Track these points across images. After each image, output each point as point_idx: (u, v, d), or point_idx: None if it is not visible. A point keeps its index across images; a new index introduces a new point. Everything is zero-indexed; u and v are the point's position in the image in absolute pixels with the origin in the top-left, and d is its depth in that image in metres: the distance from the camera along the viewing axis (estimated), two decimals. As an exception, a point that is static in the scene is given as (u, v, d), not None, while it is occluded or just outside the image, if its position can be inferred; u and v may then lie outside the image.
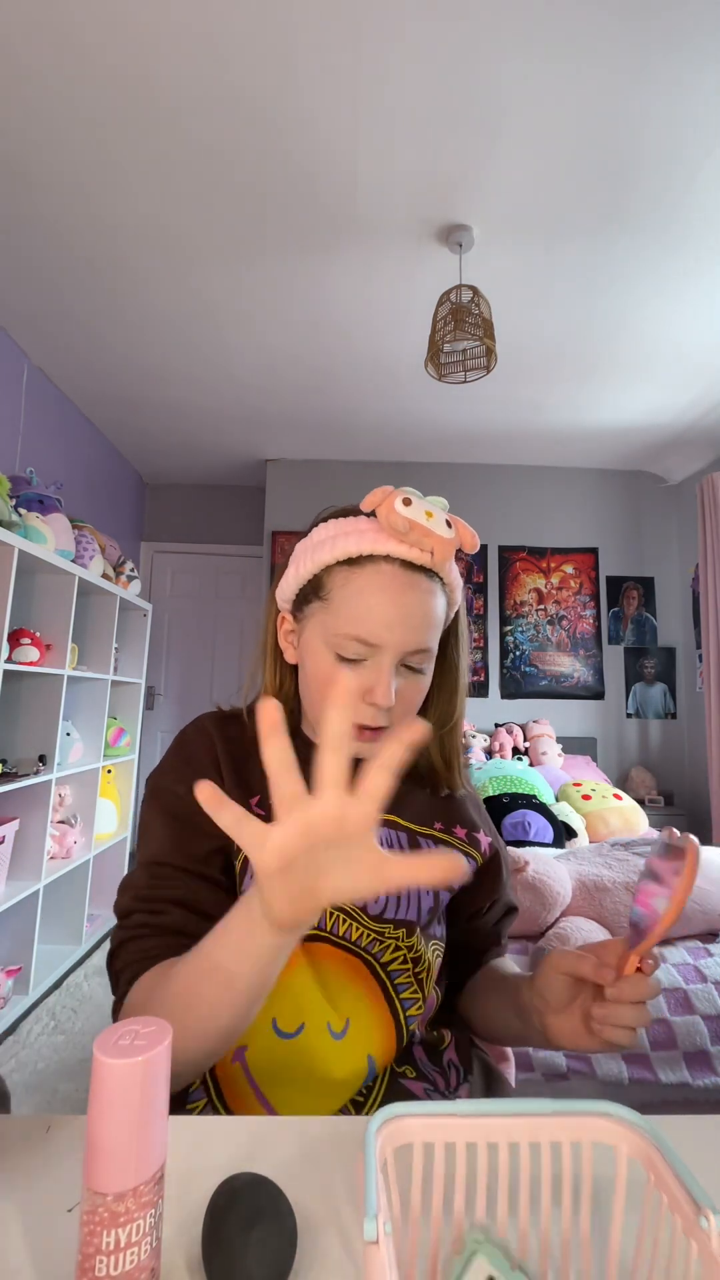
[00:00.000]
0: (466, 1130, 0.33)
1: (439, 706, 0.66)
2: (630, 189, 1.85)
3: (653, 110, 1.60)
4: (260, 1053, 0.55)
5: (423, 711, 0.66)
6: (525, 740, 3.52)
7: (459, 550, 0.59)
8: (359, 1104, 0.55)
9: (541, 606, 3.91)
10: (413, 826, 0.65)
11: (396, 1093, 0.56)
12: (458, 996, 0.71)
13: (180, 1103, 0.57)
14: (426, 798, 0.68)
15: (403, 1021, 0.58)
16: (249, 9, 1.37)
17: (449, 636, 0.66)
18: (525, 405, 3.22)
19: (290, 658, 0.65)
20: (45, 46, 1.46)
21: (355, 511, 0.60)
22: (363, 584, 0.57)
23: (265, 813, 0.59)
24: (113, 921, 2.75)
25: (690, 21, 1.38)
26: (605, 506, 4.00)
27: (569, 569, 3.95)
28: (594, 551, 3.96)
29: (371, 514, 0.58)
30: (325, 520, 0.62)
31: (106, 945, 2.70)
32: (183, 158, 1.77)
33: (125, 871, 2.91)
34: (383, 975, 0.58)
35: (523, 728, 3.60)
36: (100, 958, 2.44)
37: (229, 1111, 0.55)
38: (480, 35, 1.42)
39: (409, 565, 0.57)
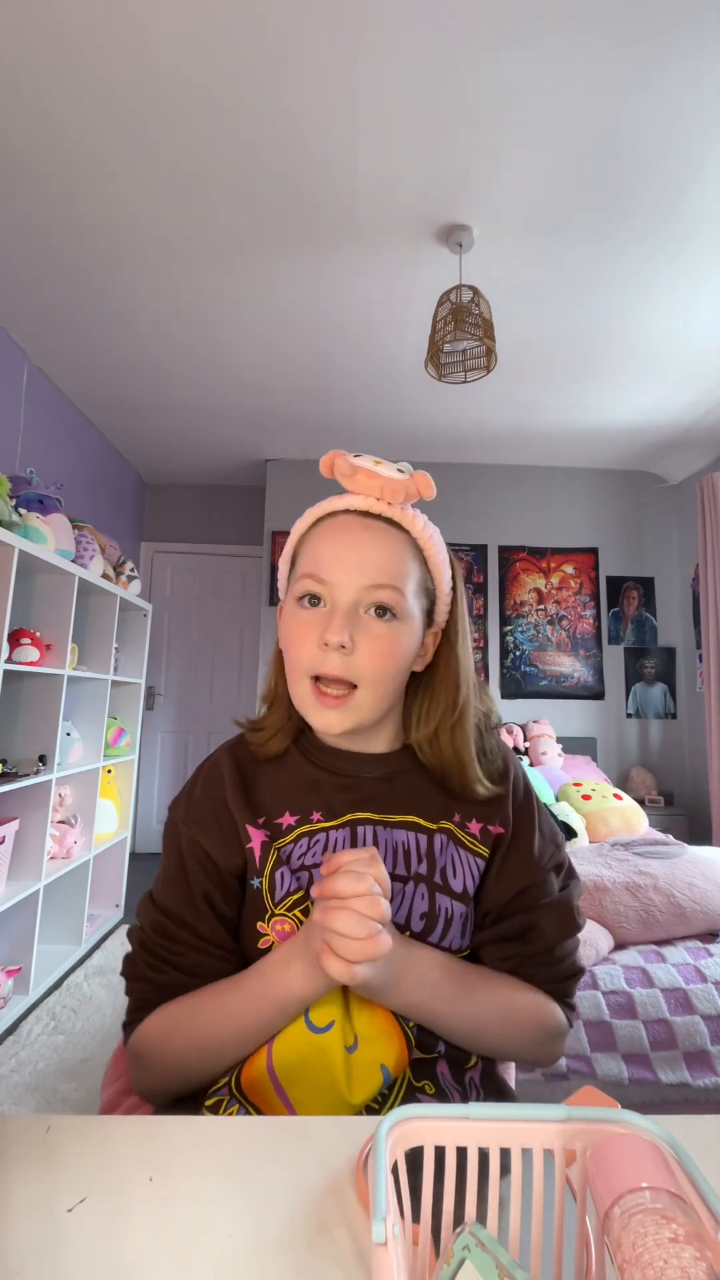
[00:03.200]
0: (478, 1134, 0.33)
1: (444, 695, 0.64)
2: (631, 189, 1.85)
3: (653, 110, 1.60)
4: (288, 1047, 0.55)
5: (428, 701, 0.64)
6: (525, 740, 3.52)
7: (428, 544, 0.62)
8: (374, 1110, 0.54)
9: (541, 606, 3.91)
10: (426, 824, 0.62)
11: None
12: None
13: (194, 1100, 0.57)
14: (446, 791, 0.65)
15: (409, 1031, 0.57)
16: (247, 9, 1.37)
17: (452, 623, 0.65)
18: (525, 405, 3.21)
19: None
20: (48, 50, 1.45)
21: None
22: (319, 534, 0.61)
23: (269, 833, 0.61)
24: (113, 920, 2.78)
25: (690, 21, 1.38)
26: (605, 506, 4.00)
27: (569, 569, 3.95)
28: (594, 551, 3.96)
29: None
30: None
31: (106, 945, 2.68)
32: (182, 158, 1.77)
33: (125, 871, 2.94)
34: None
35: (523, 728, 3.59)
36: (101, 958, 2.44)
37: (243, 1093, 0.55)
38: (480, 35, 1.42)
39: (367, 515, 0.60)
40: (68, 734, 2.44)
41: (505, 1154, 0.33)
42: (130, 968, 0.61)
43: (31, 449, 2.79)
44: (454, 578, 0.65)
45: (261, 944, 0.59)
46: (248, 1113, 0.54)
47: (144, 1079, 0.58)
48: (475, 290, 1.98)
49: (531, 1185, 0.33)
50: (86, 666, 2.64)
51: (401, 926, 0.59)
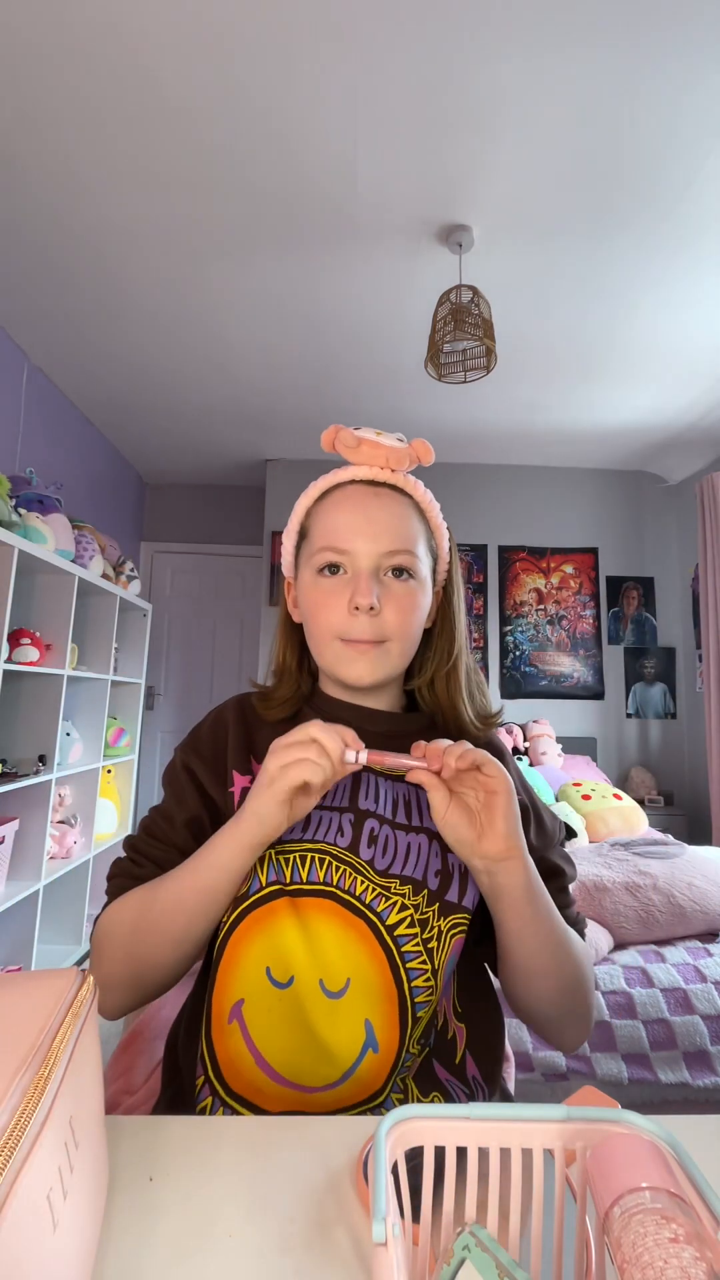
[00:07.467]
0: (478, 1134, 0.33)
1: (443, 646, 0.69)
2: (630, 189, 1.85)
3: (652, 110, 1.60)
4: (257, 1006, 0.54)
5: (428, 651, 0.69)
6: (525, 740, 3.52)
7: (447, 537, 0.68)
8: (375, 1110, 0.54)
9: (541, 606, 3.91)
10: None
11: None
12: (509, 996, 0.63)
13: (189, 1101, 0.57)
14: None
15: (407, 991, 0.54)
16: (249, 9, 1.37)
17: (450, 582, 0.70)
18: (525, 405, 3.22)
19: (297, 619, 0.69)
20: (47, 47, 1.45)
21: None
22: (331, 506, 0.64)
23: (253, 780, 0.61)
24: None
25: (689, 21, 1.38)
26: (605, 506, 4.00)
27: (569, 569, 3.95)
28: (594, 551, 3.96)
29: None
30: None
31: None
32: (183, 158, 1.77)
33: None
34: (387, 939, 0.56)
35: (522, 728, 3.59)
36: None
37: (226, 1085, 0.54)
38: (479, 35, 1.42)
39: (374, 484, 0.64)
40: (67, 734, 2.44)
41: (505, 1154, 0.33)
42: (114, 866, 0.64)
43: (31, 449, 2.79)
44: (450, 540, 0.70)
45: None
46: (236, 1112, 0.53)
47: (100, 962, 0.59)
48: (475, 290, 1.98)
49: (532, 1185, 0.33)
50: (86, 666, 2.64)
51: (419, 883, 0.60)
